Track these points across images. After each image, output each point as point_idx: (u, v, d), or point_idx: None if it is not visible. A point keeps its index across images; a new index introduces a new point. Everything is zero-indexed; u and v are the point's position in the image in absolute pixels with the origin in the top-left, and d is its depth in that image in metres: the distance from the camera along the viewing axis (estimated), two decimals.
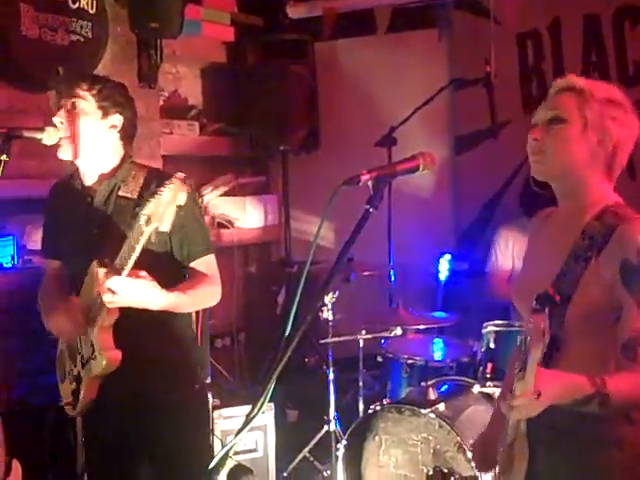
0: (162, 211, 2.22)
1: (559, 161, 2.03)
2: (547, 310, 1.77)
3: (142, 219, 2.25)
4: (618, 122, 2.00)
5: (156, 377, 2.64)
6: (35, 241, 3.94)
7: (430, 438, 3.36)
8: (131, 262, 2.33)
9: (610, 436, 1.96)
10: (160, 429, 2.64)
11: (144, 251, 2.39)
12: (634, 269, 1.89)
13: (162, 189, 2.23)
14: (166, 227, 2.26)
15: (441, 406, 3.42)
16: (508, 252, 4.28)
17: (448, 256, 4.88)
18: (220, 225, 5.19)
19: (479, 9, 5.02)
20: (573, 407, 1.84)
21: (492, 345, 3.62)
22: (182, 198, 2.25)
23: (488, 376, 3.52)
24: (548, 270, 2.03)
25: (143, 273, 2.39)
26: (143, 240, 2.29)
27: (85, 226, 2.63)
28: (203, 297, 2.68)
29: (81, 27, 4.11)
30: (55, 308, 2.67)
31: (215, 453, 2.48)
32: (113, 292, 2.36)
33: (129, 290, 2.37)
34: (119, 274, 2.35)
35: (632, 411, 1.95)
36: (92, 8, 4.16)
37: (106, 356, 2.48)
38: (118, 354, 2.50)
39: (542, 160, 2.04)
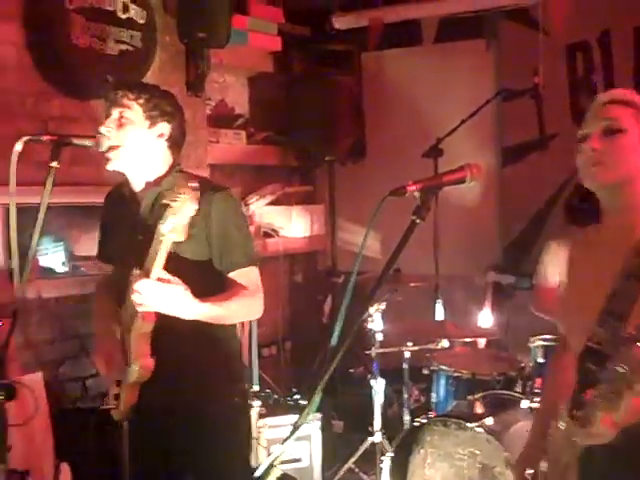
0: (176, 221, 2.23)
1: (620, 170, 1.99)
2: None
3: (160, 229, 2.27)
4: None
5: (196, 387, 2.63)
6: (85, 247, 4.00)
7: (477, 452, 3.31)
8: (156, 266, 2.33)
9: None
10: (199, 440, 2.63)
11: (181, 259, 2.42)
12: None
13: (175, 200, 2.24)
14: (180, 237, 2.27)
15: (488, 420, 3.37)
16: (556, 267, 4.21)
17: (494, 269, 4.84)
18: (266, 234, 5.20)
19: (528, 20, 4.98)
20: None
21: (540, 359, 3.58)
22: (192, 208, 2.24)
23: (536, 391, 3.48)
24: (597, 289, 1.96)
25: (175, 279, 2.38)
26: (162, 250, 2.30)
27: (132, 232, 2.65)
28: (240, 310, 2.62)
29: (130, 37, 4.16)
30: (100, 331, 2.75)
31: (260, 462, 2.47)
32: (142, 294, 2.36)
33: (157, 294, 2.36)
34: (147, 276, 2.35)
35: None
36: (141, 18, 4.21)
37: (139, 363, 2.49)
38: (151, 362, 2.50)
39: (603, 170, 2.00)
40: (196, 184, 2.28)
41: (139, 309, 2.42)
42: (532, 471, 2.11)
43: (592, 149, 2.00)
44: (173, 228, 2.25)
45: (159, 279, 2.36)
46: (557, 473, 1.92)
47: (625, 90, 2.04)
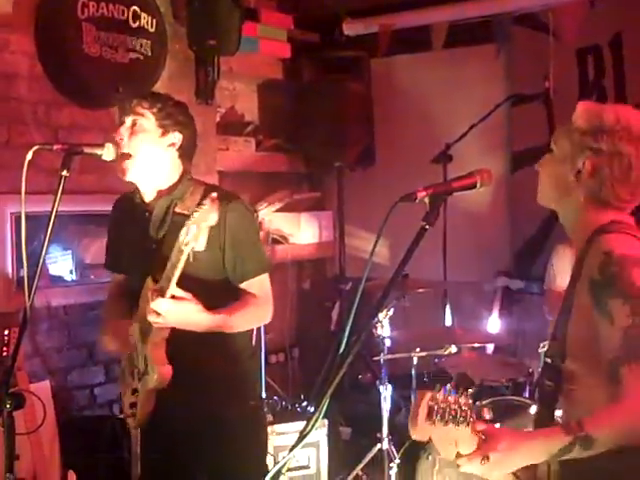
0: (197, 231, 2.25)
1: (544, 189, 2.05)
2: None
3: (181, 239, 2.27)
4: (601, 153, 1.91)
5: (213, 392, 2.65)
6: (93, 255, 4.01)
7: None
8: (173, 283, 2.36)
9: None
10: (216, 444, 2.64)
11: (193, 271, 2.42)
12: (597, 285, 1.81)
13: (196, 210, 2.25)
14: (201, 247, 2.27)
15: (497, 426, 3.36)
16: (565, 270, 4.21)
17: (504, 274, 4.83)
18: (275, 241, 5.21)
19: (538, 24, 4.97)
20: (557, 459, 1.75)
21: None
22: (213, 219, 2.26)
23: None
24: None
25: (188, 295, 2.43)
26: (183, 260, 2.31)
27: (144, 241, 2.67)
28: (252, 318, 2.69)
29: (141, 45, 4.18)
30: (106, 326, 2.73)
31: (268, 469, 2.47)
32: (158, 313, 2.39)
33: (172, 312, 2.40)
34: (163, 295, 2.38)
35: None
36: (152, 27, 4.23)
37: (157, 371, 2.50)
38: (169, 369, 2.52)
39: (540, 191, 2.07)
40: (215, 194, 2.29)
41: (155, 326, 2.45)
42: None
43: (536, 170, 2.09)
44: (194, 237, 2.25)
45: (173, 296, 2.38)
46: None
47: (588, 106, 2.02)
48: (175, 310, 2.41)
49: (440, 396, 1.69)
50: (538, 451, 1.74)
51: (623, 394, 1.72)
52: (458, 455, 1.72)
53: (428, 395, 1.70)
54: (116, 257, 2.88)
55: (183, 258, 2.30)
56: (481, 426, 1.74)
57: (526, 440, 1.76)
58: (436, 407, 1.68)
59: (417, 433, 1.72)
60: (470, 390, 1.70)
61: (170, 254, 2.38)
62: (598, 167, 1.92)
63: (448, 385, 1.72)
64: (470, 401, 1.72)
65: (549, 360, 1.94)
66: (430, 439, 1.72)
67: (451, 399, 1.69)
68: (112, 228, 2.90)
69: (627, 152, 1.90)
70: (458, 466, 1.74)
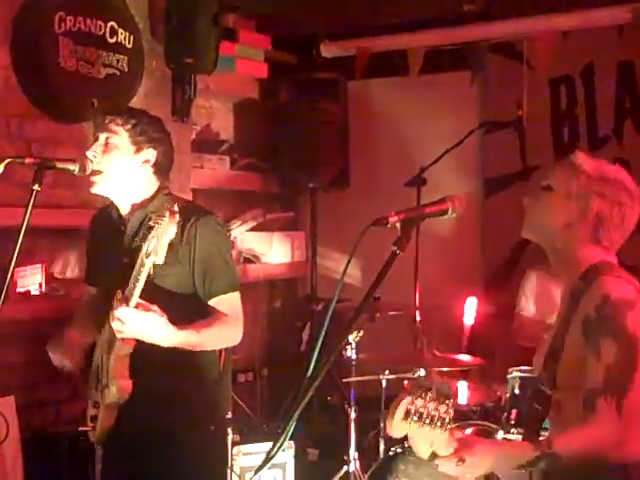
0: (156, 244, 2.27)
1: (539, 223, 2.16)
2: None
3: (143, 251, 2.29)
4: (605, 198, 2.10)
5: (173, 414, 2.63)
6: (63, 269, 3.98)
7: None
8: (136, 293, 2.36)
9: None
10: (173, 467, 2.62)
11: (162, 284, 2.46)
12: (592, 323, 1.98)
13: (157, 223, 2.27)
14: (160, 260, 2.29)
15: None
16: (534, 295, 4.24)
17: (475, 298, 4.85)
18: (247, 260, 5.20)
19: (513, 53, 5.04)
20: (526, 468, 1.97)
21: (517, 391, 3.58)
22: (172, 232, 2.28)
23: (512, 422, 3.48)
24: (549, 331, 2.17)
25: (154, 307, 2.41)
26: (145, 273, 2.32)
27: (117, 255, 2.66)
28: (220, 337, 2.65)
29: (117, 61, 4.17)
30: (56, 337, 2.73)
31: None
32: (122, 321, 2.37)
33: (135, 322, 2.38)
34: (127, 304, 2.37)
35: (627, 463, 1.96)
36: (129, 43, 4.23)
37: (117, 384, 2.50)
38: (129, 384, 2.51)
39: (527, 223, 2.19)
40: (176, 207, 2.30)
41: (118, 335, 2.43)
42: None
43: (524, 204, 2.20)
44: (153, 249, 2.27)
45: (138, 305, 2.37)
46: None
47: (584, 155, 2.17)
48: (138, 319, 2.38)
49: (420, 402, 1.84)
50: (507, 460, 1.96)
51: (594, 420, 1.92)
52: (433, 455, 1.90)
53: (408, 399, 1.84)
54: (93, 271, 2.88)
55: (145, 270, 2.32)
56: (458, 434, 1.93)
57: (498, 449, 2.03)
58: (413, 409, 1.84)
59: (392, 430, 1.87)
60: (449, 401, 1.78)
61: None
62: (601, 210, 2.10)
63: (430, 393, 1.86)
64: (451, 410, 1.87)
65: (541, 387, 2.09)
66: (406, 436, 1.88)
67: (431, 405, 1.84)
68: (90, 242, 2.89)
69: (624, 202, 2.11)
70: (436, 466, 1.92)
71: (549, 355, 2.08)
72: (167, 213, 2.28)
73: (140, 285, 2.34)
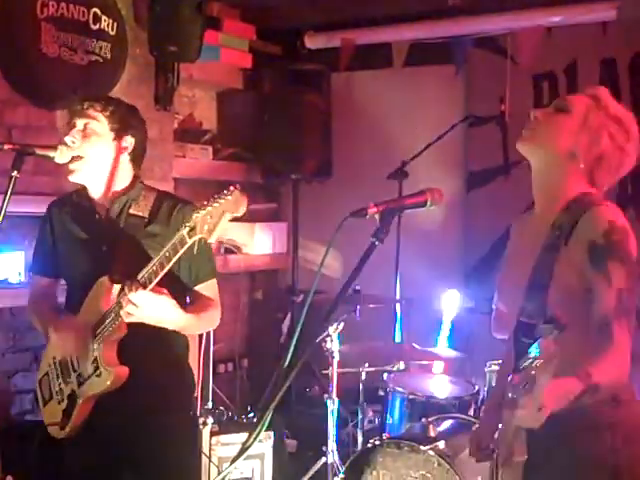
0: (213, 221, 2.16)
1: (543, 141, 2.14)
2: (555, 334, 1.77)
3: (185, 230, 2.22)
4: (614, 140, 2.11)
5: (154, 399, 2.62)
6: None
7: (428, 476, 3.31)
8: (160, 276, 2.33)
9: (602, 420, 2.04)
10: (151, 451, 2.63)
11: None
12: (601, 249, 2.00)
13: (220, 198, 2.17)
14: (213, 238, 2.21)
15: (441, 444, 3.37)
16: None
17: (455, 292, 4.86)
18: (228, 250, 5.19)
19: (497, 48, 5.05)
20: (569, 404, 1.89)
21: (494, 384, 3.60)
22: (242, 209, 2.20)
23: None
24: (526, 265, 2.11)
25: (165, 290, 2.42)
26: (181, 252, 2.26)
27: (93, 243, 2.64)
28: (209, 321, 2.70)
29: (100, 48, 4.15)
30: (56, 324, 2.67)
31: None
32: (136, 305, 2.36)
33: (150, 305, 2.38)
34: (144, 288, 2.35)
35: (619, 393, 2.04)
36: (112, 30, 4.20)
37: (113, 372, 2.48)
38: (125, 370, 2.50)
39: (531, 135, 2.15)
40: (237, 185, 2.23)
41: (127, 319, 2.41)
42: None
43: (535, 116, 2.16)
44: (208, 228, 2.17)
45: (153, 290, 2.36)
46: (505, 446, 1.95)
47: (608, 91, 2.17)
48: (153, 303, 2.38)
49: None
50: (564, 397, 1.84)
51: (614, 346, 1.94)
52: None
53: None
54: (49, 261, 2.79)
55: (182, 250, 2.25)
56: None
57: (562, 387, 1.85)
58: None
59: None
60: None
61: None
62: (605, 150, 2.11)
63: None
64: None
65: (525, 319, 2.09)
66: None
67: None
68: (48, 231, 2.78)
69: (627, 150, 2.13)
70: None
71: (532, 286, 2.07)
72: (233, 189, 2.19)
73: (168, 267, 2.30)
